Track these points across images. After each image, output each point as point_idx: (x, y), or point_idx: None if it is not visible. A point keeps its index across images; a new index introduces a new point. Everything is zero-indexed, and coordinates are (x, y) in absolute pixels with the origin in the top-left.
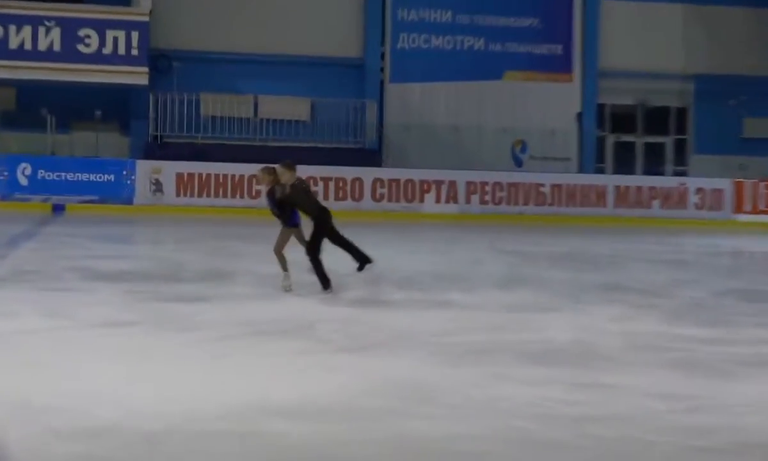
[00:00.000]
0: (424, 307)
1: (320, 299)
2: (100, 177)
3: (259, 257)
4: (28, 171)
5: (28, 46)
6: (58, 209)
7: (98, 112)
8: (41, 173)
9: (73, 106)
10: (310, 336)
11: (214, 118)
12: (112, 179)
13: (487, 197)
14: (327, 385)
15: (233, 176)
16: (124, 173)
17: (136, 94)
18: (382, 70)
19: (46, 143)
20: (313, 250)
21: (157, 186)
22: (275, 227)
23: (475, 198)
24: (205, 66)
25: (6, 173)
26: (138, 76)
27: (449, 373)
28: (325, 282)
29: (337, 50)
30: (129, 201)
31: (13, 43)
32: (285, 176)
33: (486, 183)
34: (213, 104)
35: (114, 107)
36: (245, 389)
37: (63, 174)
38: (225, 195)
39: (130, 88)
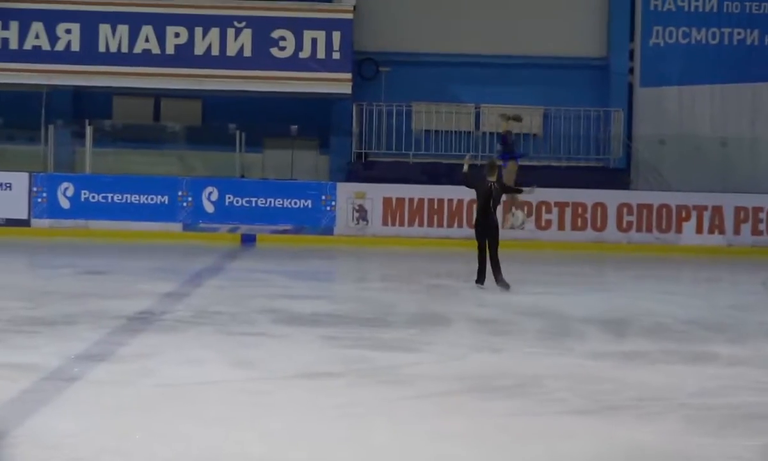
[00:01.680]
0: (679, 361)
1: (548, 349)
2: (295, 203)
3: (480, 300)
4: (215, 196)
5: (215, 51)
6: (247, 240)
7: (294, 128)
8: (229, 199)
9: (266, 120)
10: (536, 394)
11: (428, 132)
12: (310, 205)
13: (761, 227)
14: (557, 454)
15: (450, 200)
16: (323, 198)
17: (337, 106)
18: (630, 71)
19: (235, 164)
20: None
21: (361, 213)
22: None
23: (745, 228)
24: (417, 71)
25: (190, 199)
26: (340, 83)
27: (711, 443)
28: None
29: (575, 49)
30: (329, 231)
31: (199, 49)
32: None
33: (760, 209)
34: (427, 116)
35: (311, 121)
36: (474, 456)
37: (253, 200)
38: (441, 224)
39: (330, 98)
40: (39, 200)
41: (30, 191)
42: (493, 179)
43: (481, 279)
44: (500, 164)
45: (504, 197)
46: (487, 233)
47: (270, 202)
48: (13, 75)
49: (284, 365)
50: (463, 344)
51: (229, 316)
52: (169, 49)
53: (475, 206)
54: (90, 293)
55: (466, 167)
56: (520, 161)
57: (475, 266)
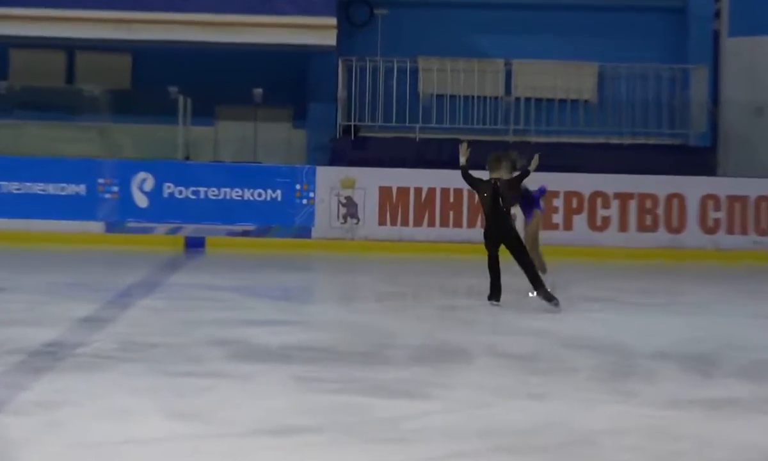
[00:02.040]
0: None
1: (606, 395)
2: (259, 195)
3: (511, 326)
4: (149, 185)
5: None
6: (193, 244)
7: (258, 92)
8: (168, 189)
9: (219, 82)
10: (590, 457)
11: (440, 98)
12: (279, 198)
13: None
14: None
15: (471, 192)
16: (298, 188)
17: (316, 62)
18: (716, 15)
19: (177, 141)
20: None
21: (350, 208)
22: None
23: None
24: (425, 14)
25: (116, 189)
26: (321, 31)
27: None
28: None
29: None
30: (305, 233)
31: None
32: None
33: None
34: (439, 76)
35: (281, 84)
36: None
37: (202, 190)
38: (458, 223)
39: (307, 51)
40: None
41: None
42: (498, 175)
43: (495, 295)
44: (515, 158)
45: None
46: (501, 240)
47: (224, 193)
48: None
49: (243, 417)
50: (489, 388)
51: (168, 349)
52: None
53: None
54: None
55: (463, 160)
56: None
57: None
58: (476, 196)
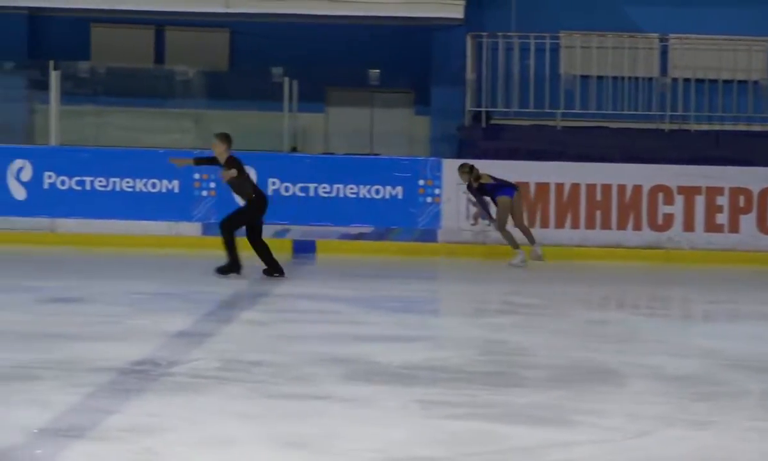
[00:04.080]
0: None
1: None
2: (377, 192)
3: (663, 343)
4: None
5: None
6: (302, 249)
7: (374, 74)
8: (273, 185)
9: (330, 63)
10: None
11: (585, 79)
12: (399, 195)
13: None
14: None
15: (622, 187)
16: (421, 183)
17: (442, 39)
18: None
19: (282, 130)
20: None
21: (481, 207)
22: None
23: None
24: None
25: (213, 185)
26: (446, 4)
27: None
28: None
29: None
30: (430, 236)
31: None
32: (218, 149)
33: None
34: (583, 54)
35: (402, 64)
36: None
37: (311, 187)
38: (606, 225)
39: (431, 27)
40: None
41: None
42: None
43: None
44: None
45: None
46: None
47: (337, 190)
48: None
49: (359, 446)
50: (645, 416)
51: (274, 369)
52: None
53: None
54: (56, 332)
55: None
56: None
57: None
58: (630, 190)
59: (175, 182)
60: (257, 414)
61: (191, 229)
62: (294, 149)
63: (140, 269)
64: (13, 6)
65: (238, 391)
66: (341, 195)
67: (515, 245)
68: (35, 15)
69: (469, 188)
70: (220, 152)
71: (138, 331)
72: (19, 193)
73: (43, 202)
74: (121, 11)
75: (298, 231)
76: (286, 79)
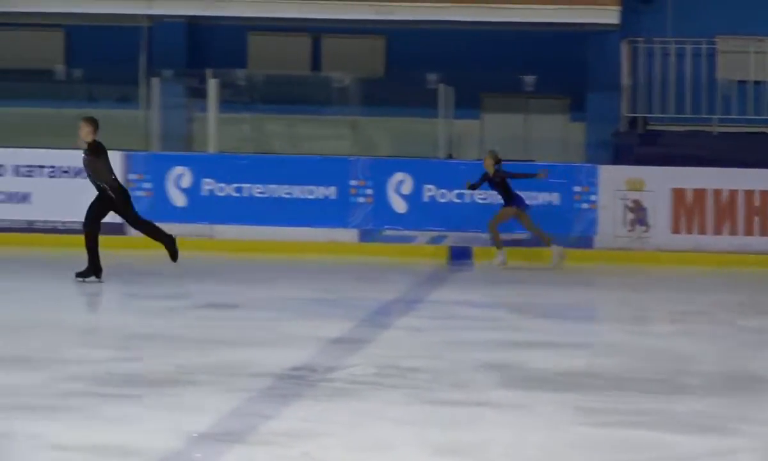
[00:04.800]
0: None
1: None
2: (533, 198)
3: None
4: (408, 187)
5: None
6: (458, 255)
7: (529, 80)
8: (429, 191)
9: (485, 69)
10: None
11: (742, 84)
12: (556, 201)
13: None
14: None
15: None
16: (577, 189)
17: (596, 45)
18: None
19: (437, 136)
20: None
21: (638, 214)
22: None
23: None
24: None
25: (370, 192)
26: (601, 9)
27: None
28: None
29: None
30: (586, 243)
31: None
32: (84, 131)
33: None
34: (740, 59)
35: (556, 70)
36: None
37: (467, 193)
38: (766, 233)
39: (586, 32)
40: (139, 193)
41: (124, 179)
42: None
43: None
44: None
45: None
46: None
47: (492, 197)
48: (99, 2)
49: (516, 453)
50: None
51: (431, 375)
52: None
53: None
54: (214, 338)
55: None
56: None
57: None
58: None
59: (332, 189)
60: (414, 419)
61: (347, 235)
62: (450, 156)
63: (297, 276)
64: (172, 15)
65: (395, 397)
66: (497, 202)
67: (499, 245)
68: (194, 24)
69: (489, 177)
70: (85, 133)
71: (294, 337)
72: (178, 200)
73: (201, 208)
74: (278, 19)
75: (455, 238)
76: (441, 86)
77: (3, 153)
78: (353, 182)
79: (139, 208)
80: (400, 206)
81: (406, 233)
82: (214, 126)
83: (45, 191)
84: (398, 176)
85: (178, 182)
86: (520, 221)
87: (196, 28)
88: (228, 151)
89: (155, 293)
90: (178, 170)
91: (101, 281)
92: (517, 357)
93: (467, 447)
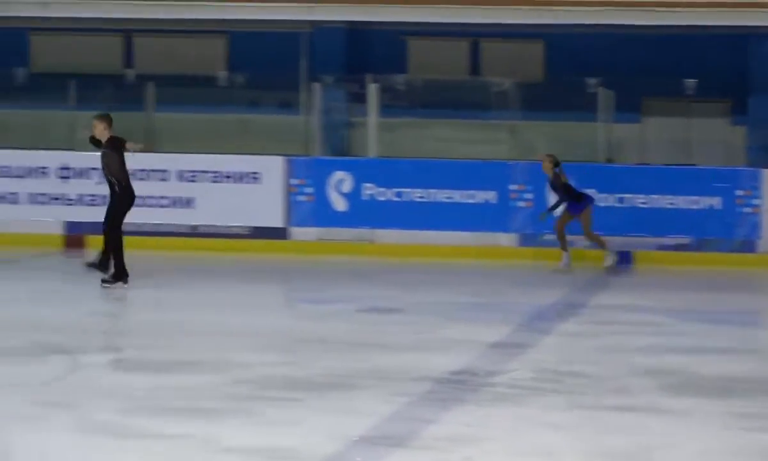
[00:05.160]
0: None
1: None
2: (694, 202)
3: None
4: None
5: None
6: (619, 259)
7: (690, 83)
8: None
9: (645, 73)
10: None
11: None
12: (717, 205)
13: None
14: None
15: None
16: (740, 193)
17: (758, 48)
18: None
19: (597, 141)
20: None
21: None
22: None
23: None
24: None
25: (529, 196)
26: (762, 15)
27: None
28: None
29: None
30: (748, 247)
31: None
32: (99, 130)
33: None
34: None
35: (717, 74)
36: None
37: (627, 197)
38: None
39: (747, 35)
40: (300, 198)
41: (286, 184)
42: None
43: None
44: None
45: None
46: None
47: (653, 201)
48: (260, 8)
49: (678, 458)
50: None
51: (591, 380)
52: None
53: None
54: (375, 342)
55: None
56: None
57: None
58: None
59: (492, 193)
60: (574, 425)
61: (507, 239)
62: (609, 160)
63: (456, 280)
64: (333, 20)
65: (555, 402)
66: (658, 206)
67: (565, 247)
68: (354, 29)
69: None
70: (100, 131)
71: (454, 341)
72: (339, 204)
73: (362, 213)
74: (438, 24)
75: (616, 242)
76: (601, 90)
77: (167, 159)
78: (513, 187)
79: (301, 212)
80: (559, 210)
81: (568, 237)
82: (374, 131)
83: (208, 196)
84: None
85: (339, 186)
86: (579, 220)
87: (356, 34)
88: (388, 155)
89: (318, 298)
90: (339, 174)
91: (126, 286)
92: (678, 362)
93: (626, 453)
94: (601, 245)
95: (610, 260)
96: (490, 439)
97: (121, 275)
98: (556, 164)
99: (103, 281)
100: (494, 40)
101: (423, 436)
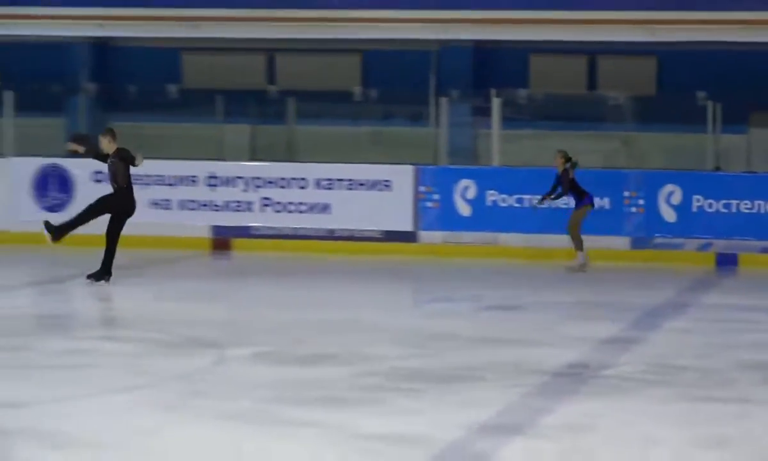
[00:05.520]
0: None
1: None
2: None
3: None
4: (677, 198)
5: None
6: (725, 262)
7: None
8: (698, 202)
9: (752, 86)
10: None
11: None
12: None
13: None
14: None
15: None
16: None
17: None
18: None
19: (705, 150)
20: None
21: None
22: None
23: None
24: None
25: (642, 202)
26: None
27: None
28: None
29: None
30: None
31: None
32: (104, 143)
33: None
34: None
35: None
36: None
37: (734, 203)
38: None
39: None
40: (428, 204)
41: (415, 191)
42: None
43: None
44: None
45: None
46: None
47: (758, 207)
48: (393, 28)
49: None
50: None
51: (699, 373)
52: None
53: None
54: (497, 338)
55: None
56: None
57: None
58: None
59: (606, 200)
60: (681, 415)
61: (620, 243)
62: (717, 168)
63: (573, 280)
64: (461, 39)
65: (664, 394)
66: (763, 211)
67: (580, 247)
68: (480, 47)
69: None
70: (106, 144)
71: (570, 337)
72: (464, 209)
73: (486, 218)
74: (558, 42)
75: (721, 245)
76: (710, 103)
77: (306, 168)
78: (626, 194)
79: (429, 217)
80: (670, 215)
81: (676, 240)
82: (498, 142)
83: (343, 202)
84: (668, 187)
85: (464, 193)
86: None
87: (481, 51)
88: (509, 164)
89: (445, 296)
90: (465, 182)
91: (108, 283)
92: None
93: (732, 442)
94: (578, 245)
95: (578, 263)
96: (601, 428)
97: (104, 273)
98: (568, 160)
99: (89, 276)
100: (610, 56)
101: (539, 425)
